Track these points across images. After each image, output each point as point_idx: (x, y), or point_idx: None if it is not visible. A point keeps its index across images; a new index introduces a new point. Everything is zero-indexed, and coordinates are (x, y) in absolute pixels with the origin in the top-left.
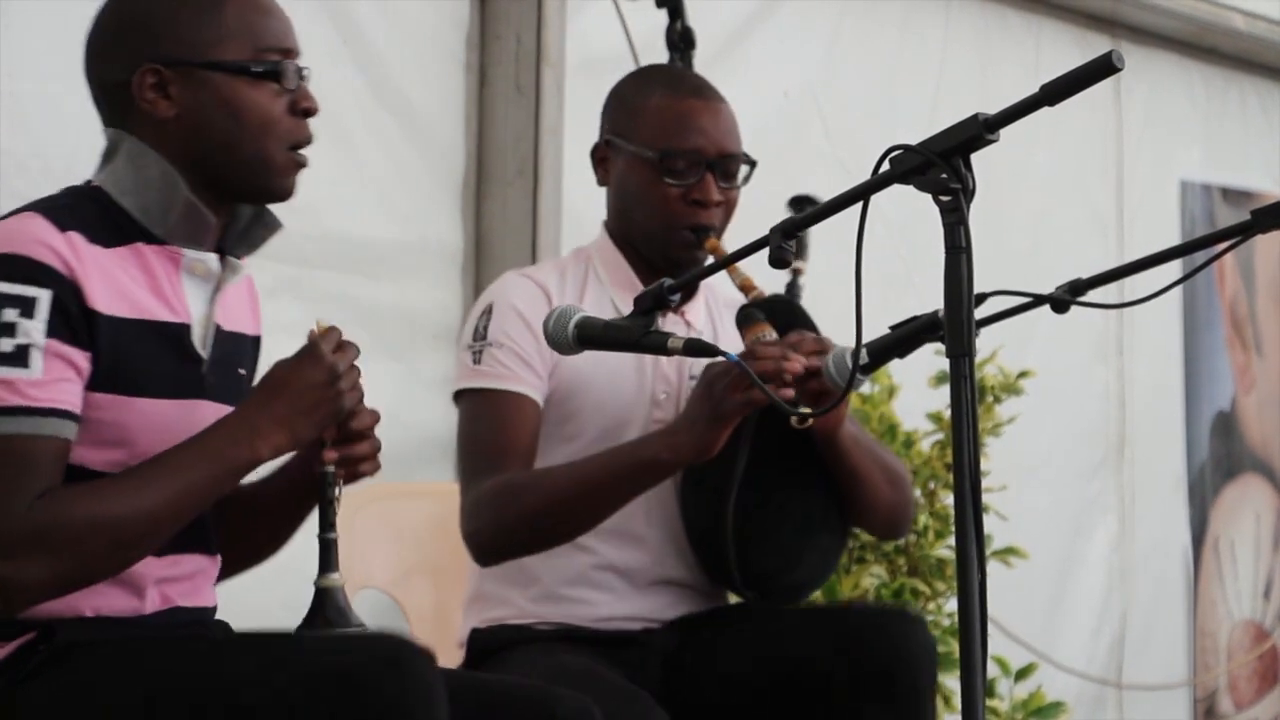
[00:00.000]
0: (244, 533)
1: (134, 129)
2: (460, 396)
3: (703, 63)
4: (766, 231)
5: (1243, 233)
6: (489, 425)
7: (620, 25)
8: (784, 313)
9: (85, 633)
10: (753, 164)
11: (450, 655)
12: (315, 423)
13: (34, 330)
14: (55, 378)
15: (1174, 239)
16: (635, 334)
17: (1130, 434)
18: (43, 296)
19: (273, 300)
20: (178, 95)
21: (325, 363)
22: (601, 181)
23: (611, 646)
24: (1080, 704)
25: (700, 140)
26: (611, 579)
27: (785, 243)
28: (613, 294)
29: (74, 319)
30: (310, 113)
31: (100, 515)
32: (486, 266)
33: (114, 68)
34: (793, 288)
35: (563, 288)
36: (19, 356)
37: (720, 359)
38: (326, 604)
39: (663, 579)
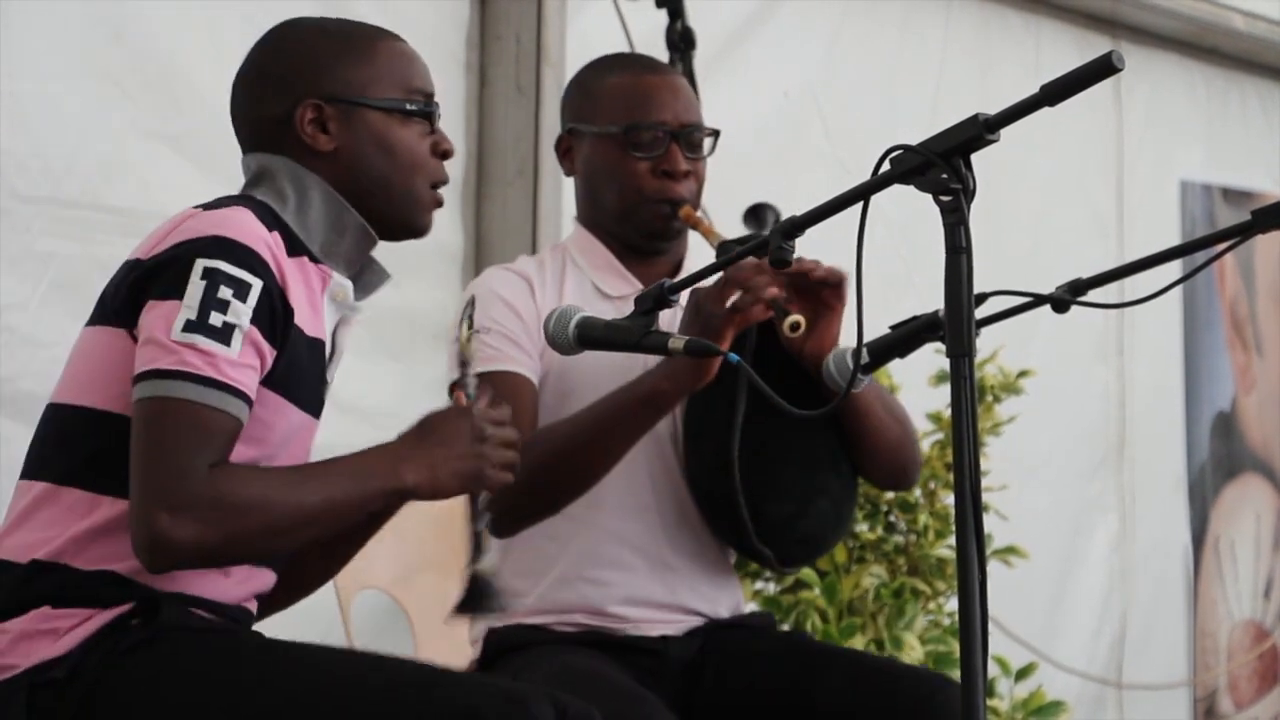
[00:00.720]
0: (297, 559)
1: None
2: (455, 386)
3: (703, 63)
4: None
5: (1243, 233)
6: None
7: (620, 25)
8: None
9: (184, 616)
10: (716, 134)
11: (456, 654)
12: (458, 474)
13: (243, 313)
14: (247, 363)
15: (1174, 239)
16: (636, 334)
17: (1130, 434)
18: (256, 285)
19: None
20: (336, 131)
21: (473, 421)
22: (569, 172)
23: (629, 652)
24: (1080, 704)
25: (663, 113)
26: (625, 554)
27: (785, 243)
28: (593, 277)
29: (276, 315)
30: (448, 155)
31: (264, 498)
32: (487, 266)
33: (274, 101)
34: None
35: (543, 276)
36: (224, 333)
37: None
38: (479, 587)
39: (675, 551)
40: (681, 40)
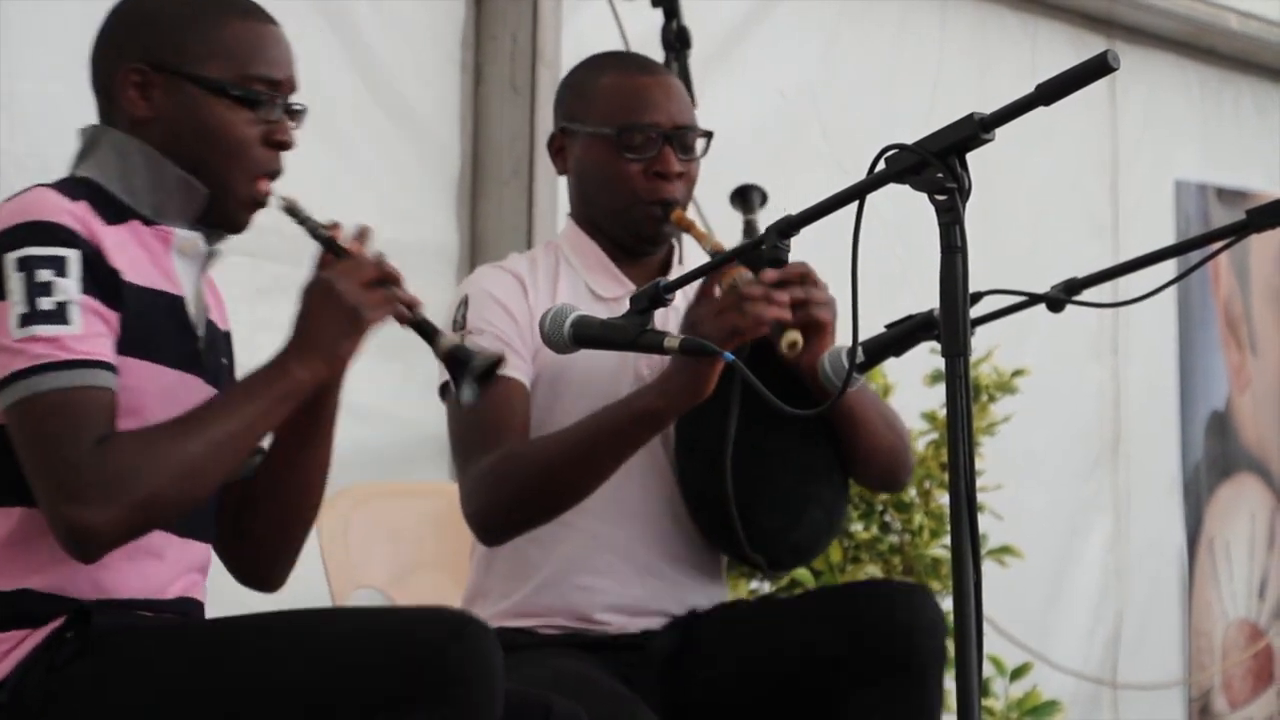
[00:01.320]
0: (275, 492)
1: (114, 125)
2: (447, 389)
3: (699, 62)
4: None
5: (1238, 232)
6: (479, 409)
7: (616, 25)
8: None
9: (118, 618)
10: (709, 135)
11: None
12: (338, 336)
13: (70, 287)
14: (94, 332)
15: (1169, 239)
16: (631, 333)
17: (1125, 433)
18: (72, 256)
19: (267, 299)
20: (157, 99)
21: (320, 286)
22: (561, 171)
23: (612, 650)
24: (1075, 703)
25: (656, 114)
26: (612, 560)
27: (781, 242)
28: (586, 278)
29: (101, 278)
30: (284, 146)
31: (162, 449)
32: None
33: (106, 61)
34: (750, 233)
35: (535, 275)
36: (59, 314)
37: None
38: (458, 358)
39: (663, 557)
40: (677, 40)
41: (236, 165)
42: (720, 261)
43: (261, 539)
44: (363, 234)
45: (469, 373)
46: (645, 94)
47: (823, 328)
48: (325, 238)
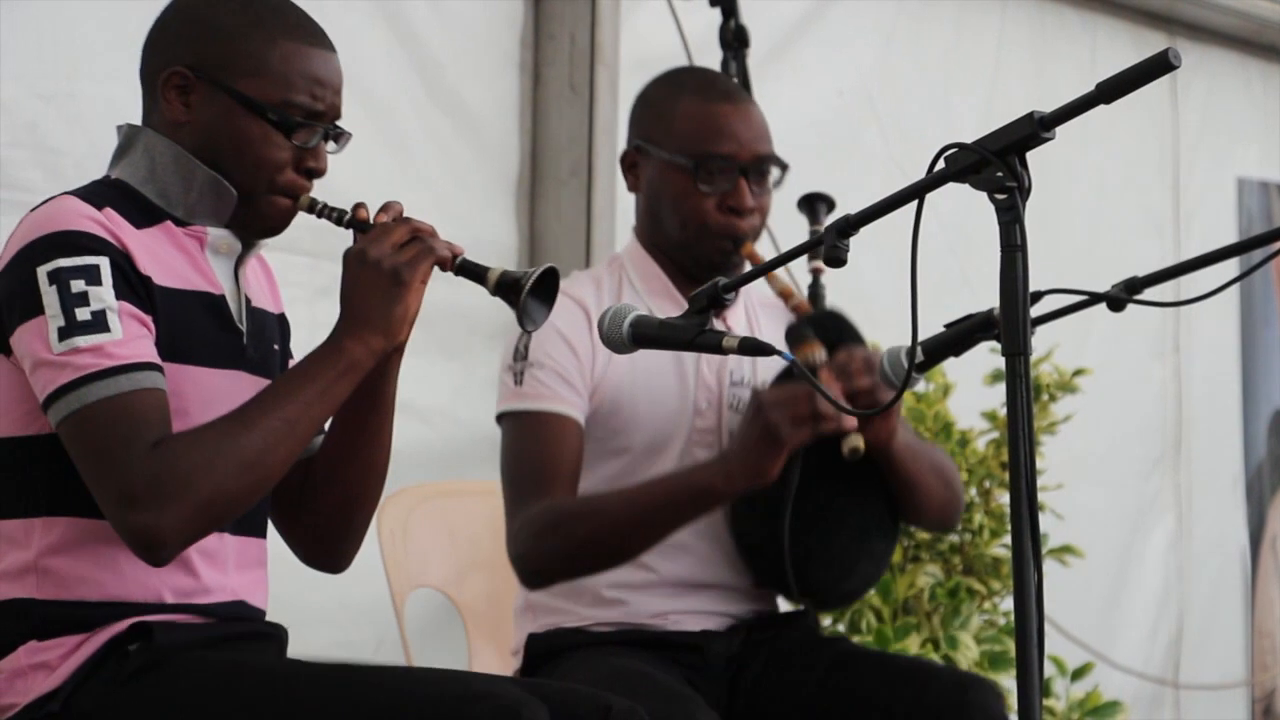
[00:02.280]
0: (337, 474)
1: (151, 123)
2: (503, 418)
3: (756, 61)
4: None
5: None
6: (533, 447)
7: (674, 24)
8: (833, 327)
9: (179, 636)
10: (784, 167)
11: (507, 659)
12: (383, 305)
13: (105, 295)
14: (135, 335)
15: (1231, 236)
16: (690, 333)
17: (1187, 432)
18: (102, 263)
19: (327, 298)
20: (196, 104)
21: (356, 255)
22: (632, 188)
23: (671, 649)
24: (1137, 704)
25: (733, 145)
26: (665, 587)
27: (840, 241)
28: (649, 303)
29: (133, 283)
30: (316, 173)
31: (220, 444)
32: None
33: (154, 58)
34: (815, 288)
35: (600, 301)
36: (98, 322)
37: (775, 370)
38: (509, 285)
39: (712, 583)
40: (735, 39)
41: (263, 185)
42: (776, 263)
43: (326, 520)
44: (387, 207)
45: (524, 293)
46: (724, 123)
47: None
48: (351, 221)
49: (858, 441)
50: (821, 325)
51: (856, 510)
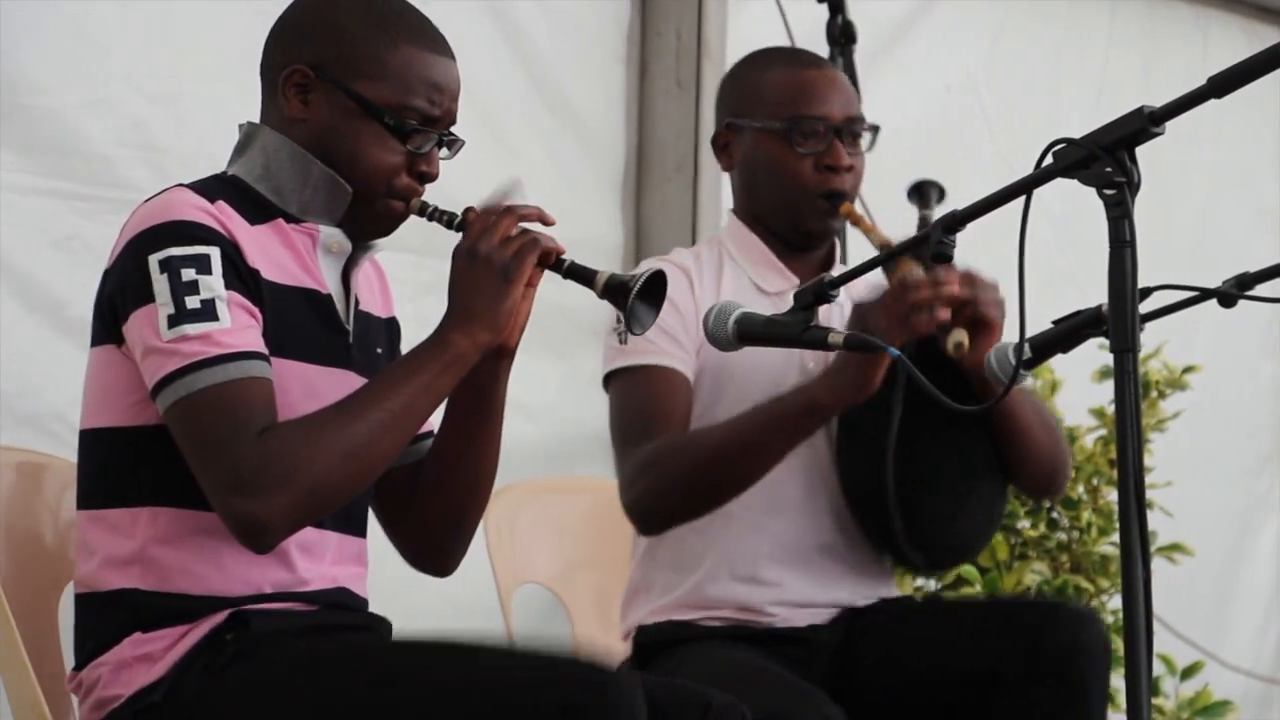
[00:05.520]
0: (446, 477)
1: (268, 120)
2: (610, 380)
3: (864, 57)
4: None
5: None
6: (641, 398)
7: (781, 20)
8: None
9: (275, 623)
10: (876, 129)
11: (614, 648)
12: (491, 299)
13: (215, 284)
14: (243, 324)
15: None
16: (796, 329)
17: None
18: (213, 253)
19: (433, 295)
20: (314, 103)
21: (465, 250)
22: (726, 167)
23: (779, 643)
24: (1246, 703)
25: (826, 107)
26: (776, 551)
27: (946, 237)
28: (749, 272)
29: (243, 274)
30: (428, 178)
31: (325, 434)
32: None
33: (276, 54)
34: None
35: (700, 269)
36: (208, 311)
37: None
38: (616, 288)
39: (826, 551)
40: (842, 35)
41: (376, 184)
42: (884, 258)
43: (433, 524)
44: (492, 209)
45: (632, 295)
46: (814, 87)
47: (990, 326)
48: (461, 224)
49: (962, 336)
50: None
51: (960, 447)
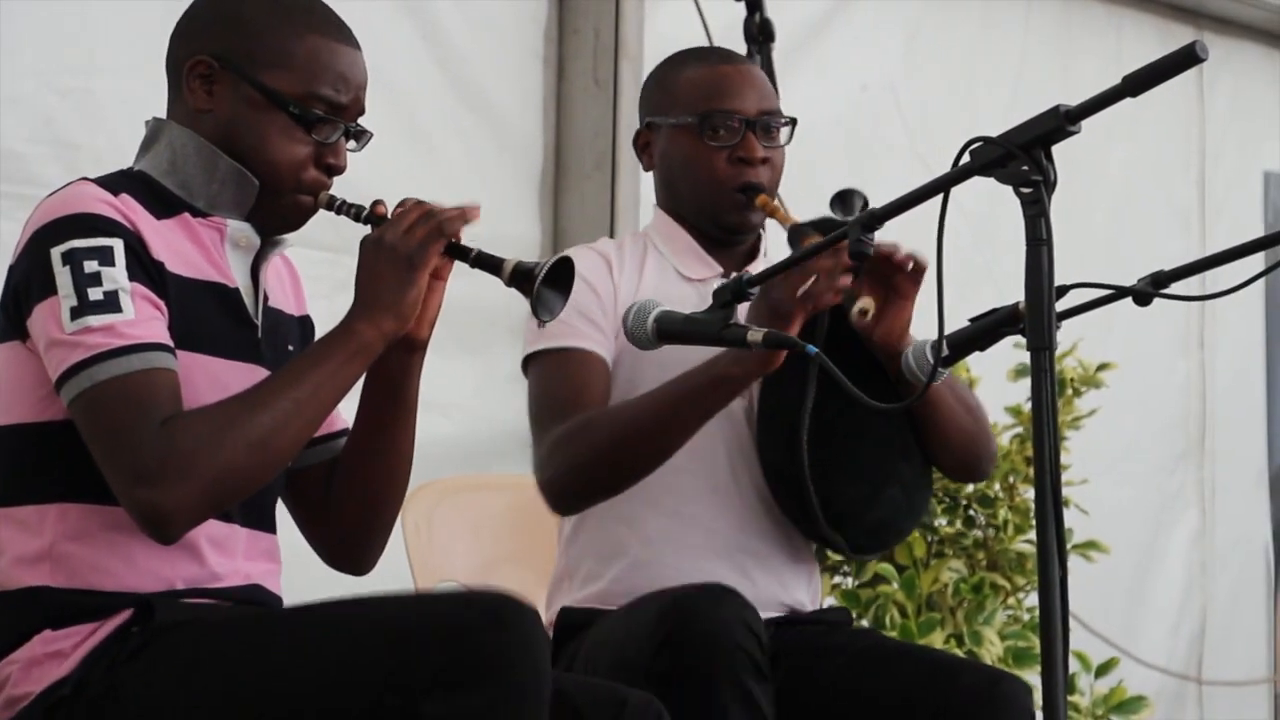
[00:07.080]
0: (360, 475)
1: (175, 115)
2: (528, 363)
3: (781, 56)
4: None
5: None
6: (558, 380)
7: (699, 17)
8: (830, 227)
9: (180, 612)
10: (793, 122)
11: None
12: (394, 287)
13: (118, 276)
14: (147, 316)
15: (1258, 231)
16: (714, 327)
17: (1211, 427)
18: (116, 245)
19: (347, 292)
20: (219, 95)
21: (370, 242)
22: (648, 167)
23: None
24: (1160, 700)
25: (739, 100)
26: (701, 538)
27: (864, 235)
28: (673, 261)
29: (147, 266)
30: (335, 170)
31: (230, 423)
32: None
33: (180, 47)
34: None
35: (622, 256)
36: (110, 302)
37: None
38: (521, 275)
39: (753, 536)
40: (760, 33)
41: (284, 180)
42: (804, 254)
43: (350, 521)
44: (404, 202)
45: (538, 282)
46: (727, 82)
47: (901, 295)
48: (369, 217)
49: (868, 304)
50: (822, 229)
51: (879, 435)
